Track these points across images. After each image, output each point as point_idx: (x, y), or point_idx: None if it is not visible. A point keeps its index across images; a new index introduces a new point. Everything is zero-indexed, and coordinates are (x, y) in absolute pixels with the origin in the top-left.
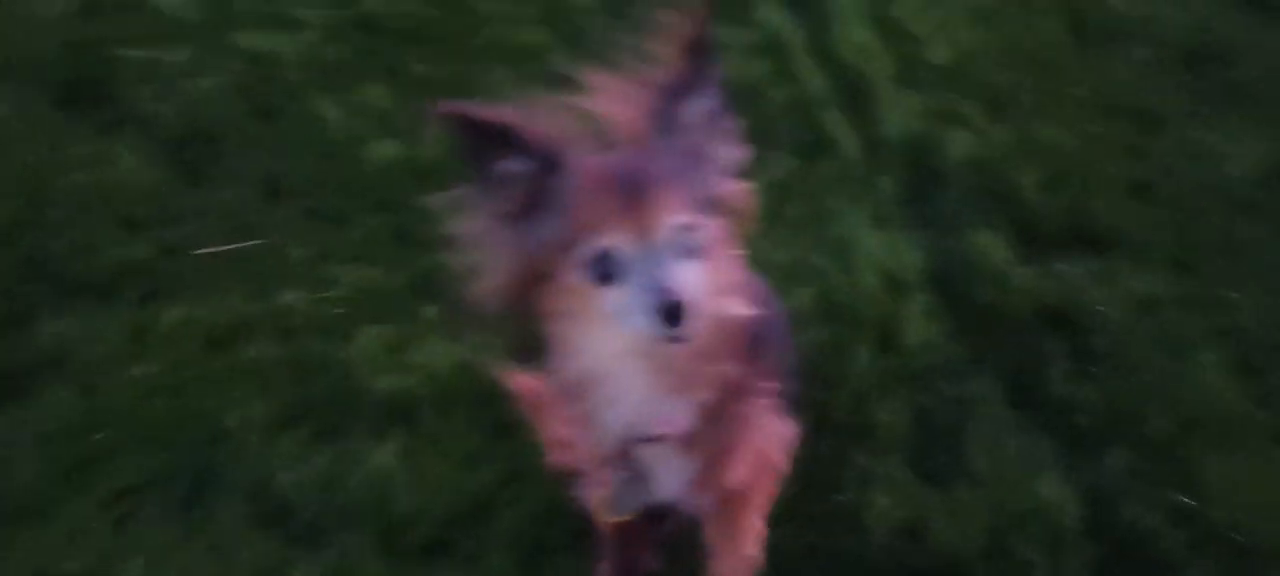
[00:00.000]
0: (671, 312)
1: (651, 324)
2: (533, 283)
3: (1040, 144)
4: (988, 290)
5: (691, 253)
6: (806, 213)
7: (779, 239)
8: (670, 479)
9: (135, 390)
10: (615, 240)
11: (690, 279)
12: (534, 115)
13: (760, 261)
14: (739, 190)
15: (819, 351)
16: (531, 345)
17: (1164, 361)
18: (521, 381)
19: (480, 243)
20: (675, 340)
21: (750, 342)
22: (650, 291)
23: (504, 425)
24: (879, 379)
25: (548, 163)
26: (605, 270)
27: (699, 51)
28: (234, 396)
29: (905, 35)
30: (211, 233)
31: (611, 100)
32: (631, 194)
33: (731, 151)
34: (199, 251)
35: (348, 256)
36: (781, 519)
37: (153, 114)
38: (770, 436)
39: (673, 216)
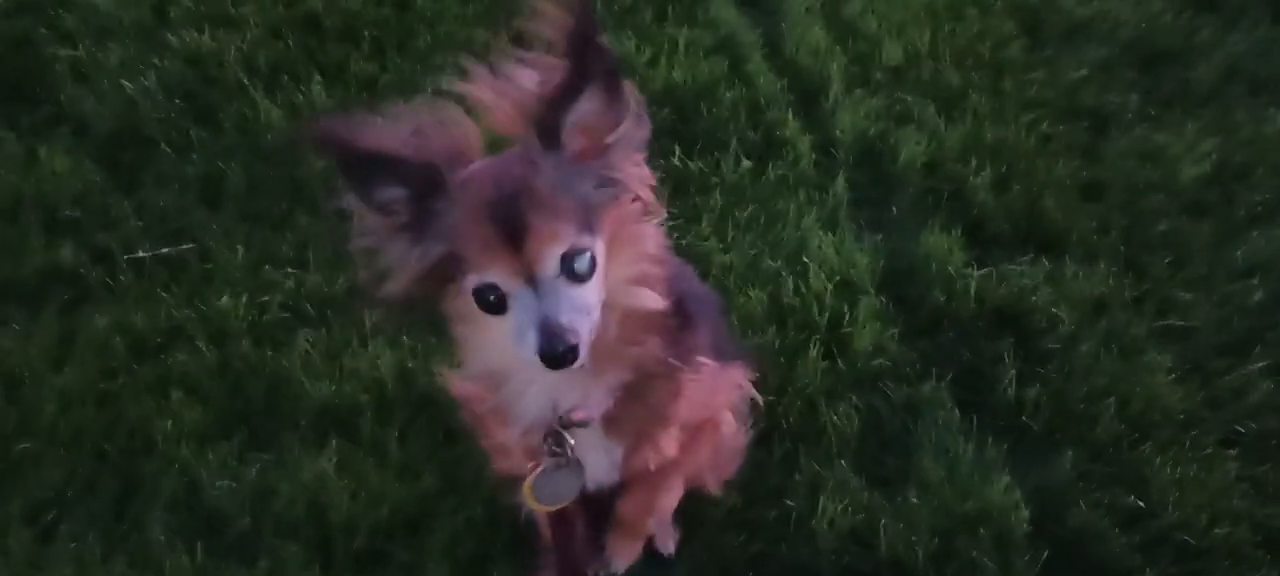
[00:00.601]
0: (556, 359)
1: (539, 359)
2: (434, 286)
3: (992, 145)
4: (938, 292)
5: (580, 277)
6: (759, 215)
7: (730, 241)
8: (599, 463)
9: (61, 398)
10: (498, 277)
11: (581, 304)
12: (413, 130)
13: (712, 263)
14: (638, 174)
15: (770, 354)
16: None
17: (1113, 363)
18: (463, 387)
19: (376, 252)
20: (566, 366)
21: (674, 318)
22: (535, 331)
23: (444, 433)
24: (829, 382)
25: (426, 187)
26: (493, 299)
27: (583, 49)
28: (164, 405)
29: (859, 36)
30: (145, 236)
31: (496, 107)
32: (512, 228)
33: (632, 134)
34: (131, 256)
35: (286, 261)
36: (730, 526)
37: (87, 114)
38: (704, 401)
39: (555, 248)
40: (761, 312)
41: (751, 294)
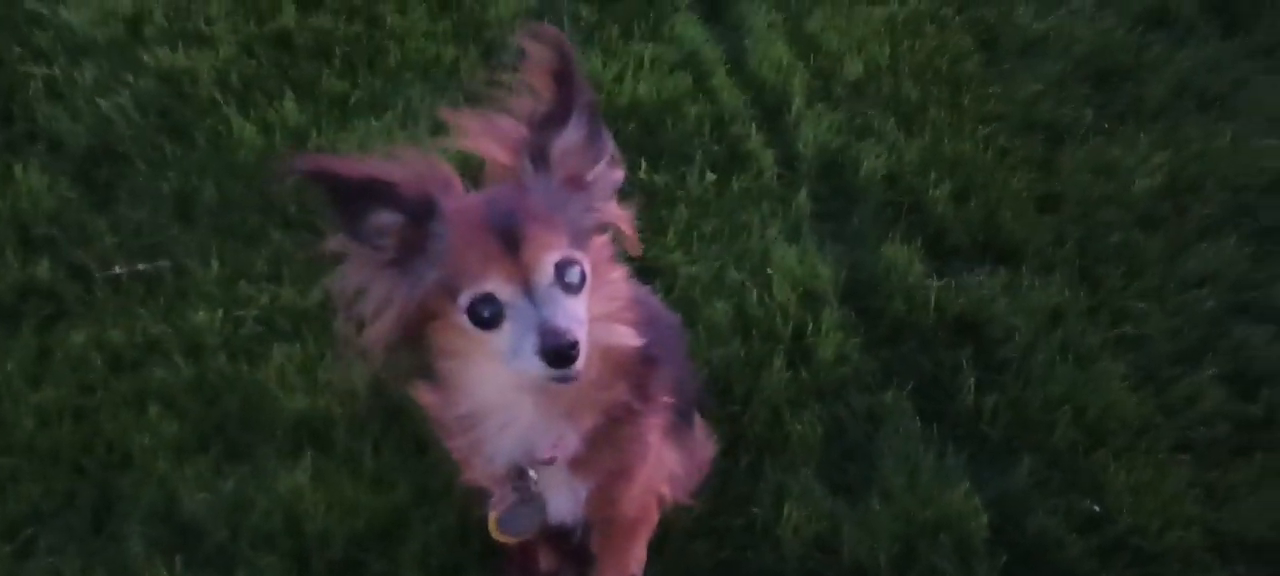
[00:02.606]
0: (558, 355)
1: (539, 366)
2: (419, 324)
3: (951, 158)
4: (899, 303)
5: (572, 288)
6: (723, 227)
7: (696, 253)
8: (563, 500)
9: (39, 414)
10: (495, 286)
11: (575, 314)
12: (400, 161)
13: (678, 275)
14: (619, 214)
15: (733, 365)
16: (423, 371)
17: (1069, 372)
18: (431, 398)
19: (362, 291)
20: (564, 380)
21: (640, 363)
22: (536, 334)
23: (417, 443)
24: (793, 392)
25: (420, 211)
26: (488, 314)
27: (565, 81)
28: (141, 419)
29: (820, 52)
30: (120, 253)
31: (481, 138)
32: (508, 238)
33: (609, 176)
34: (106, 272)
35: (260, 276)
36: (697, 535)
37: (61, 132)
38: (660, 462)
39: (551, 255)
40: (726, 324)
41: (717, 305)
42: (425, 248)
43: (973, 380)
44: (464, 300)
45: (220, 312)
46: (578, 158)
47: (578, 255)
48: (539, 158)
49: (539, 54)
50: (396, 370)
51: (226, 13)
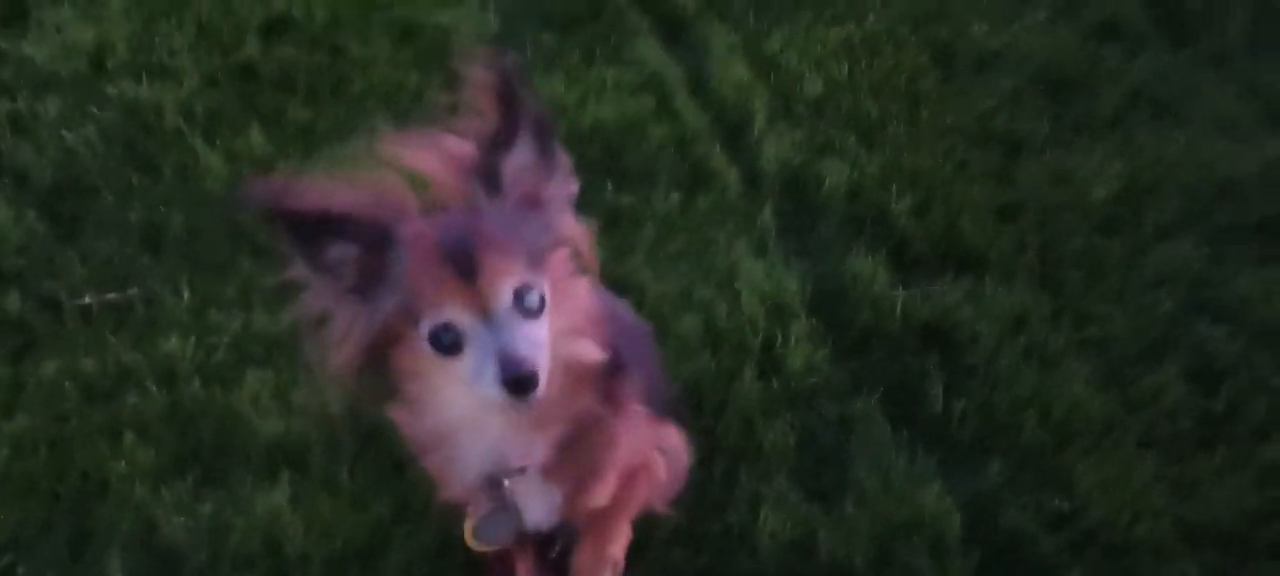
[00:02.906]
0: (519, 383)
1: (500, 393)
2: (383, 348)
3: (911, 171)
4: (866, 313)
5: (532, 312)
6: (690, 244)
7: (664, 270)
8: (537, 508)
9: (14, 444)
10: (454, 315)
11: (535, 339)
12: (355, 188)
13: (647, 293)
14: (576, 230)
15: (705, 379)
16: (392, 392)
17: (1035, 374)
18: (403, 417)
19: (326, 318)
20: (525, 405)
21: (607, 372)
22: (495, 363)
23: (395, 462)
24: (765, 402)
25: (376, 241)
26: (449, 342)
27: (509, 101)
28: (116, 447)
29: (780, 70)
30: (90, 284)
31: (433, 163)
32: (464, 266)
33: (563, 190)
34: (77, 302)
35: (230, 303)
36: (676, 542)
37: (27, 165)
38: (637, 448)
39: (508, 282)
40: (697, 338)
41: (686, 321)
42: (384, 275)
43: (941, 385)
44: (423, 328)
45: (192, 340)
46: (531, 176)
47: (535, 278)
48: (491, 180)
49: (481, 76)
50: (368, 392)
51: (190, 45)
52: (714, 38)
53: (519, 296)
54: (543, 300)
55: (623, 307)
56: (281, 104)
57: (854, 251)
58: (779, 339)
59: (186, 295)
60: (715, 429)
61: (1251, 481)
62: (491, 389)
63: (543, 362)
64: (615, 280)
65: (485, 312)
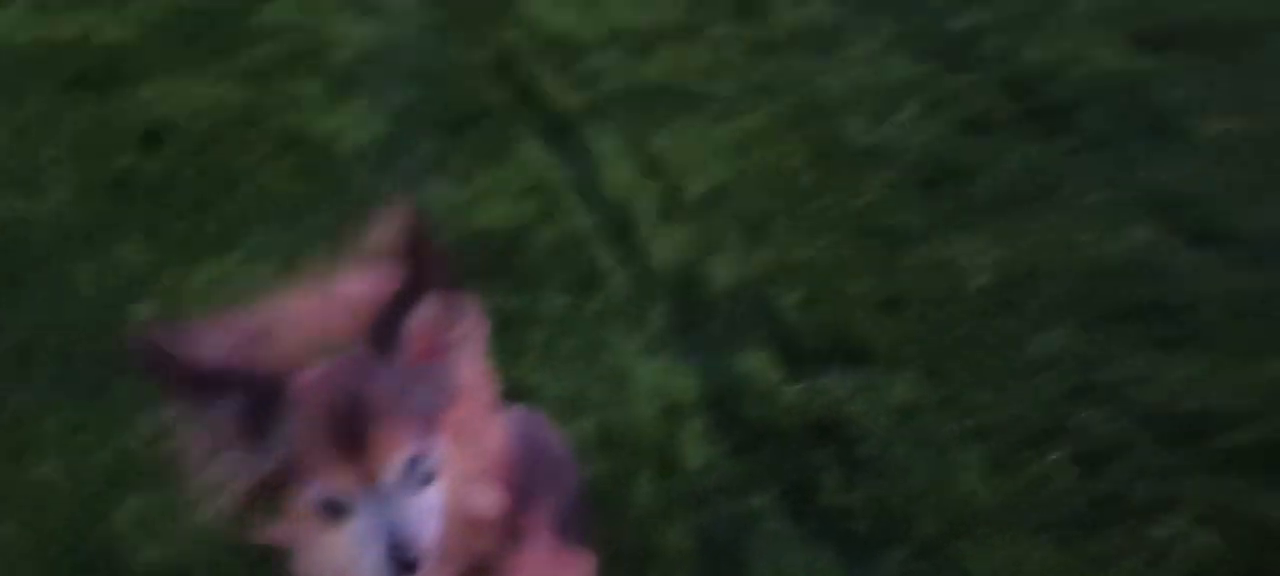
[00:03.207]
0: (405, 566)
1: (386, 571)
2: (269, 494)
3: (798, 265)
4: (759, 408)
5: (425, 479)
6: (582, 346)
7: (557, 373)
8: None
9: None
10: (341, 485)
11: (427, 508)
12: (244, 338)
13: (540, 397)
14: (481, 375)
15: (601, 483)
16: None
17: (928, 464)
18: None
19: (201, 468)
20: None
21: (511, 511)
22: (381, 543)
23: None
24: (662, 504)
25: (264, 393)
26: (334, 510)
27: (419, 257)
28: None
29: (665, 169)
30: None
31: (326, 316)
32: (353, 435)
33: (470, 336)
34: None
35: (106, 424)
36: None
37: None
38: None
39: (399, 454)
40: (592, 442)
41: (581, 424)
42: (267, 431)
43: (836, 479)
44: (310, 494)
45: (63, 465)
46: (433, 328)
47: (429, 443)
48: (385, 340)
49: (387, 231)
50: (251, 524)
51: (61, 158)
52: (598, 139)
53: (412, 465)
54: (436, 467)
55: (542, 426)
56: (159, 215)
57: (745, 348)
58: (674, 439)
59: (59, 417)
60: (611, 534)
61: (1144, 562)
62: (376, 564)
63: (429, 537)
64: (508, 384)
65: (373, 483)
